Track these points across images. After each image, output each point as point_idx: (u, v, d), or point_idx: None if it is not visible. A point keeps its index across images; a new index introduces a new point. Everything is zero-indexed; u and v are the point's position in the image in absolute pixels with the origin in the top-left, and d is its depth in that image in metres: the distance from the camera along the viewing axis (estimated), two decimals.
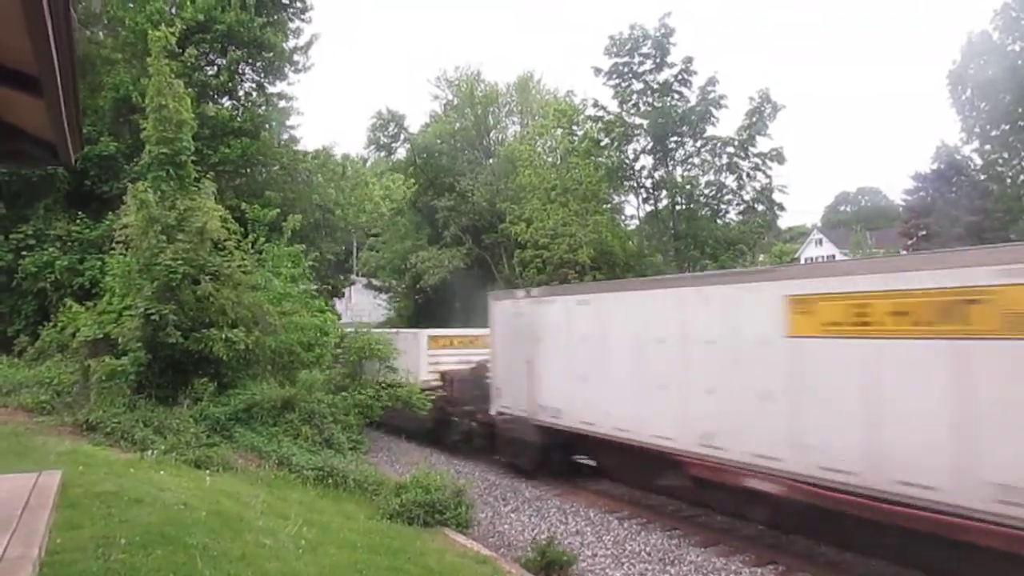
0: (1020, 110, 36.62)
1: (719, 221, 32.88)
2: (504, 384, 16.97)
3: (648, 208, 34.45)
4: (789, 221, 57.43)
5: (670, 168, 32.86)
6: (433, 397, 18.91)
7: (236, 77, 24.05)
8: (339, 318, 22.41)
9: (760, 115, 31.07)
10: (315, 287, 19.91)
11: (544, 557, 9.93)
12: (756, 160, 31.47)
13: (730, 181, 32.24)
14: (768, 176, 31.75)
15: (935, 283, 8.34)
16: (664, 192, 33.03)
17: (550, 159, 37.84)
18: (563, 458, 15.87)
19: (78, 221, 19.45)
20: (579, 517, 13.53)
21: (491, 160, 43.11)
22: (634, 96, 32.18)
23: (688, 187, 32.13)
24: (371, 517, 10.50)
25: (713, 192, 32.59)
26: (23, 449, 10.55)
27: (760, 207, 32.51)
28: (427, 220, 42.83)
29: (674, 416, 12.08)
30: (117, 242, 15.08)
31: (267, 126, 24.04)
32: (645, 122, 31.95)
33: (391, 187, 29.02)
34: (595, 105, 32.77)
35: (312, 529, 8.48)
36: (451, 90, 46.07)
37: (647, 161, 33.19)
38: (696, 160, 32.69)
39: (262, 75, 24.95)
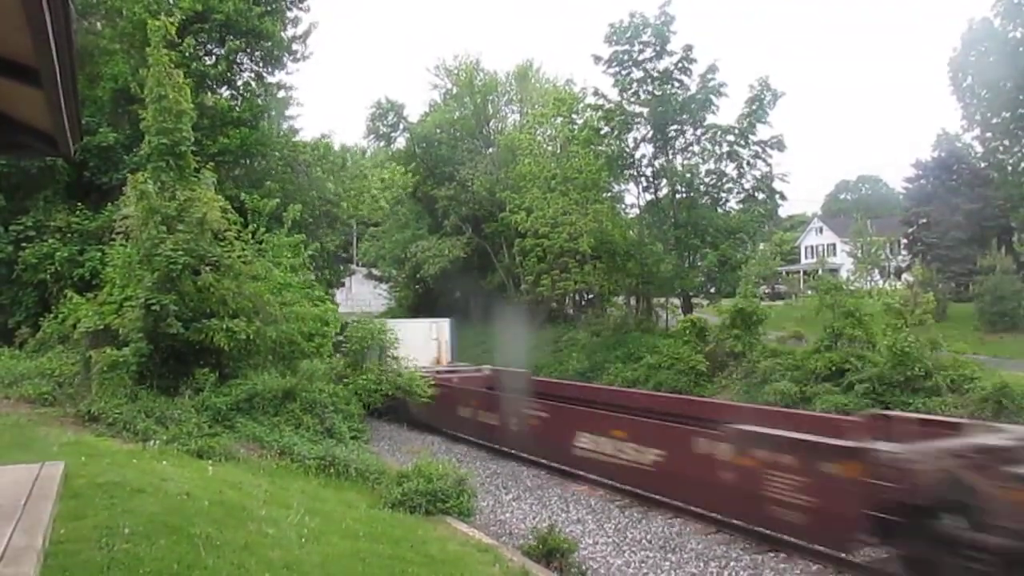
0: (1021, 97, 36.50)
1: (719, 210, 32.92)
2: None
3: (648, 197, 34.51)
4: (790, 209, 57.40)
5: (670, 157, 32.86)
6: None
7: (235, 67, 23.99)
8: (336, 307, 22.24)
9: (760, 103, 31.06)
10: (314, 278, 19.84)
11: (545, 545, 9.96)
12: (756, 148, 31.48)
13: (730, 169, 32.33)
14: (768, 164, 31.79)
15: None
16: (664, 181, 33.04)
17: (550, 148, 37.81)
18: None
19: (78, 212, 19.42)
20: (580, 505, 13.58)
21: (491, 149, 43.04)
22: (634, 84, 32.13)
23: (688, 176, 32.14)
24: (373, 506, 10.53)
25: (713, 180, 32.62)
26: (25, 440, 10.57)
27: (760, 195, 32.54)
28: (427, 210, 42.84)
29: None
30: (117, 233, 15.05)
31: (266, 116, 23.98)
32: (645, 110, 31.93)
33: (387, 179, 28.94)
34: (595, 93, 32.75)
35: (314, 518, 8.50)
36: (450, 79, 45.99)
37: (647, 150, 33.23)
38: (696, 148, 32.72)
39: (260, 65, 24.88)
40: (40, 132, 5.65)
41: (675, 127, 32.07)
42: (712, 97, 31.34)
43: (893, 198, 76.56)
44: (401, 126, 45.38)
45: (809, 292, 43.11)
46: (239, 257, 15.08)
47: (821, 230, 76.96)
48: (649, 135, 32.58)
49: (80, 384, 13.99)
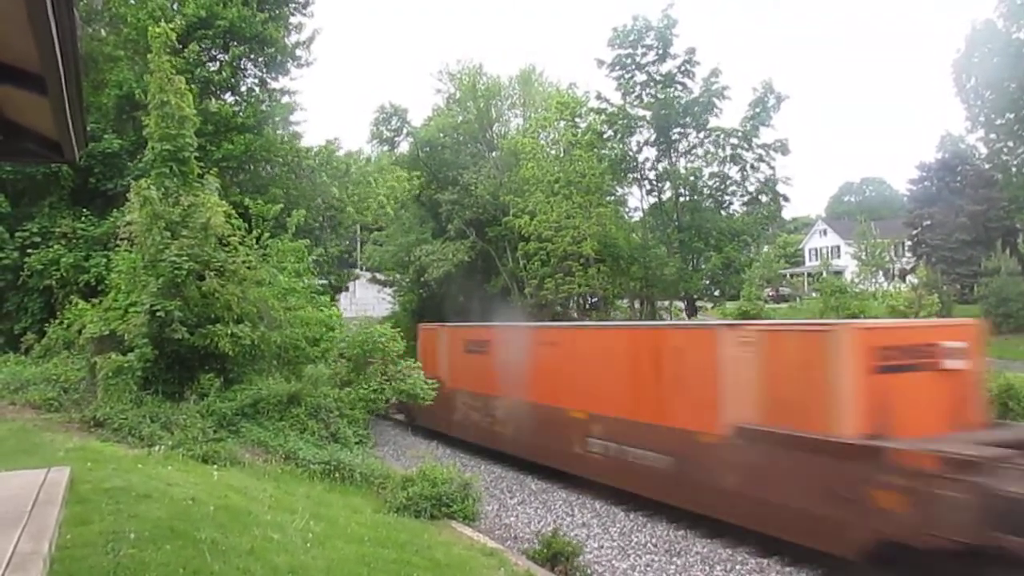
0: None
1: (723, 213, 32.88)
2: None
3: (652, 200, 34.45)
4: (793, 211, 57.44)
5: (673, 160, 32.83)
6: None
7: (238, 73, 24.00)
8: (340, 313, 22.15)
9: (763, 105, 31.03)
10: (320, 283, 19.86)
11: (550, 548, 9.96)
12: (760, 151, 31.43)
13: (734, 172, 32.26)
14: (772, 167, 31.75)
15: None
16: (668, 184, 33.00)
17: (553, 152, 37.76)
18: None
19: (83, 218, 19.48)
20: (585, 509, 13.57)
21: (494, 153, 43.02)
22: (637, 88, 32.12)
23: (692, 179, 32.12)
24: (378, 510, 10.54)
25: (717, 184, 32.58)
26: (32, 446, 10.61)
27: (764, 198, 32.50)
28: (431, 214, 42.83)
29: None
30: (122, 239, 15.08)
31: (270, 122, 24.01)
32: (648, 114, 31.90)
33: (396, 186, 28.98)
34: (598, 97, 32.76)
35: (319, 523, 8.51)
36: (453, 83, 45.94)
37: (650, 153, 33.18)
38: (699, 151, 32.69)
39: (264, 71, 24.88)
40: (45, 138, 5.67)
41: (678, 130, 32.04)
42: (715, 100, 31.30)
43: (897, 200, 76.54)
44: (405, 131, 45.32)
45: (813, 294, 43.07)
46: (243, 262, 15.11)
47: (825, 232, 76.91)
48: (652, 138, 32.55)
49: (85, 390, 14.04)
